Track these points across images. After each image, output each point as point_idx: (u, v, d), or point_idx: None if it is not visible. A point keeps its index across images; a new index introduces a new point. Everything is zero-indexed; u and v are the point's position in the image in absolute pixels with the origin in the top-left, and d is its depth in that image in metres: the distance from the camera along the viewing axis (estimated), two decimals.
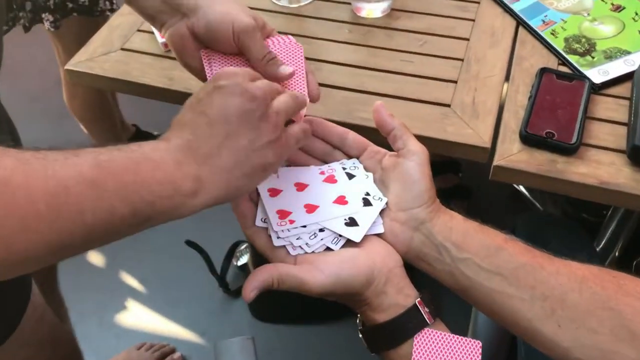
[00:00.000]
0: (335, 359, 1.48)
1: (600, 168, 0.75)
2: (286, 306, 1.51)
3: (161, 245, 1.68)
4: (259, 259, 1.48)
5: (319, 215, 0.57)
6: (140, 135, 1.89)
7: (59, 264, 1.19)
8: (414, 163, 0.57)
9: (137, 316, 1.59)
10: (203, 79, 0.67)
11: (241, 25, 0.62)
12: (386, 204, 0.57)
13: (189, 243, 1.55)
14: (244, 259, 1.61)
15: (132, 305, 1.61)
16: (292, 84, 0.66)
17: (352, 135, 0.62)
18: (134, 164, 0.45)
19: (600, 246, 1.37)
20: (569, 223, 0.97)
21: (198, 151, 0.49)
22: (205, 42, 0.65)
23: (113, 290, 1.64)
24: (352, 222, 0.56)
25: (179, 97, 0.88)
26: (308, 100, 0.63)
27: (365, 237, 0.56)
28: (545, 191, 1.64)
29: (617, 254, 1.39)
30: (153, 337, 1.53)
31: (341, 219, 0.56)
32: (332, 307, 1.52)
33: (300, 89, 0.66)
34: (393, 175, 0.58)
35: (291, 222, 0.56)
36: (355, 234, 0.55)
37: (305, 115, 0.62)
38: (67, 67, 0.91)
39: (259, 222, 0.57)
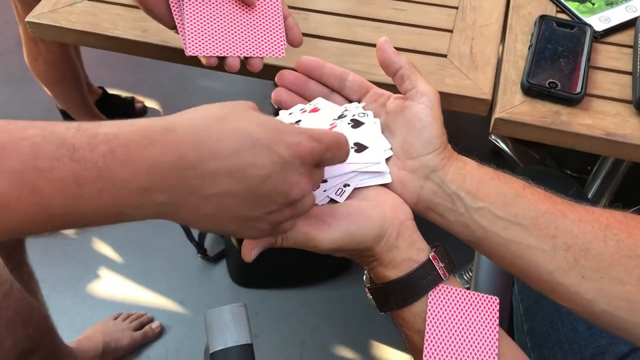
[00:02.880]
0: (318, 322, 1.46)
1: (605, 119, 0.71)
2: (267, 271, 1.47)
3: None
4: None
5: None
6: (108, 98, 1.80)
7: None
8: (424, 106, 0.51)
9: (113, 286, 1.53)
10: (171, 25, 0.62)
11: None
12: (390, 149, 0.53)
13: None
14: None
15: (107, 274, 1.55)
16: (268, 28, 0.62)
17: (353, 77, 0.57)
18: (76, 186, 0.36)
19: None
20: (562, 176, 0.95)
21: (187, 183, 0.38)
22: None
23: (86, 260, 1.57)
24: (359, 148, 0.51)
25: (153, 51, 0.81)
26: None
27: (372, 188, 0.52)
28: (527, 147, 1.62)
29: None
30: (130, 307, 1.48)
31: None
32: (314, 272, 1.50)
33: (279, 43, 0.62)
34: (400, 119, 0.53)
35: None
36: (374, 156, 0.51)
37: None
38: (28, 19, 0.83)
39: None
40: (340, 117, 0.54)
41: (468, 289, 1.09)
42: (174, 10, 0.61)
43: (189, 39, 0.60)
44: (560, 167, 1.53)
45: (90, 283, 1.53)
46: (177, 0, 0.61)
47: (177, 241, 1.54)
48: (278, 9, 0.64)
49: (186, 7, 0.61)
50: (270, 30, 0.64)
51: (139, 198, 0.37)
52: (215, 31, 0.62)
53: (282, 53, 0.64)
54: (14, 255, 1.07)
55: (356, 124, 0.54)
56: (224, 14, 0.63)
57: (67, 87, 1.54)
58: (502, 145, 1.65)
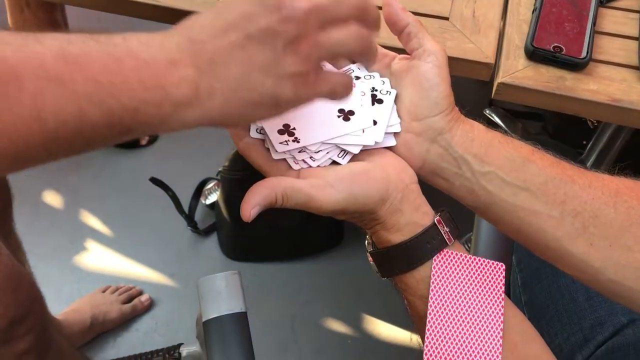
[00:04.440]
0: (310, 296, 1.45)
1: (611, 85, 0.70)
2: (258, 244, 1.46)
3: (124, 183, 1.59)
4: (229, 195, 1.42)
5: (323, 130, 0.49)
6: None
7: (14, 202, 1.09)
8: (432, 65, 0.49)
9: (101, 258, 1.50)
10: None
11: None
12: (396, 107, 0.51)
13: (154, 181, 1.47)
14: (212, 197, 1.54)
15: (95, 247, 1.52)
16: None
17: None
18: (114, 61, 0.36)
19: None
20: (562, 147, 0.93)
21: (201, 53, 0.39)
22: None
23: (73, 231, 1.54)
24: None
25: (145, 10, 0.78)
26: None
27: (375, 150, 0.49)
28: (521, 122, 1.61)
29: None
30: (118, 279, 1.46)
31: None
32: (305, 245, 1.48)
33: None
34: (406, 79, 0.50)
35: (290, 134, 0.49)
36: (376, 135, 0.49)
37: None
38: None
39: (254, 133, 0.49)
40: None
41: None
42: None
43: None
44: (556, 141, 1.52)
45: (78, 255, 1.51)
46: None
47: (167, 214, 1.51)
48: None
49: None
50: None
51: (171, 73, 0.38)
52: None
53: None
54: (1, 224, 1.05)
55: (377, 102, 0.51)
56: None
57: None
58: (497, 120, 1.63)
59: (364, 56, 0.46)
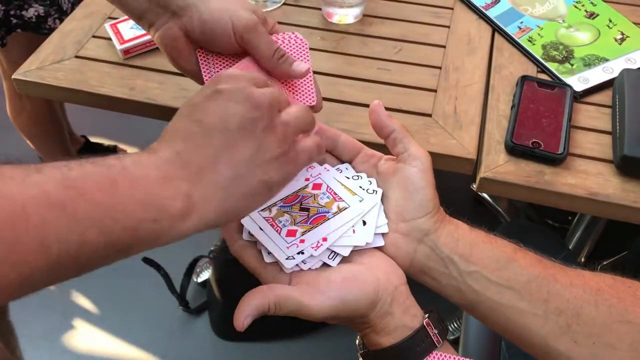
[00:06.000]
0: None
1: (588, 179, 0.73)
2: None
3: (116, 263, 1.59)
4: (221, 275, 1.42)
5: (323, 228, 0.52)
6: (90, 146, 1.79)
7: None
8: (417, 169, 0.52)
9: (92, 340, 1.49)
10: (201, 82, 0.61)
11: (242, 21, 0.56)
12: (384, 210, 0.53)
13: (147, 260, 1.47)
14: (204, 275, 1.54)
15: (86, 328, 1.51)
16: (300, 85, 0.60)
17: (345, 138, 0.57)
18: (110, 182, 0.38)
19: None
20: (545, 230, 0.96)
21: (190, 165, 0.42)
22: (202, 44, 0.59)
23: (64, 312, 1.53)
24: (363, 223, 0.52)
25: (141, 108, 0.82)
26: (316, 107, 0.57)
27: (365, 250, 0.51)
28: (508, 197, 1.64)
29: (583, 259, 1.40)
30: None
31: (346, 230, 0.51)
32: (299, 323, 1.47)
33: (309, 92, 0.60)
34: (393, 182, 0.53)
35: (302, 241, 0.51)
36: (366, 236, 0.51)
37: None
38: (15, 76, 0.83)
39: (246, 236, 0.51)
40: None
41: (455, 339, 1.08)
42: (203, 69, 0.60)
43: None
44: (542, 216, 1.55)
45: (68, 336, 1.49)
46: (205, 59, 0.60)
47: (159, 293, 1.51)
48: (309, 67, 0.61)
49: (216, 69, 0.60)
50: (303, 88, 0.61)
51: (166, 188, 0.40)
52: None
53: (314, 101, 0.61)
54: None
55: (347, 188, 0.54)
56: None
57: (49, 139, 1.53)
58: (484, 195, 1.67)
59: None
